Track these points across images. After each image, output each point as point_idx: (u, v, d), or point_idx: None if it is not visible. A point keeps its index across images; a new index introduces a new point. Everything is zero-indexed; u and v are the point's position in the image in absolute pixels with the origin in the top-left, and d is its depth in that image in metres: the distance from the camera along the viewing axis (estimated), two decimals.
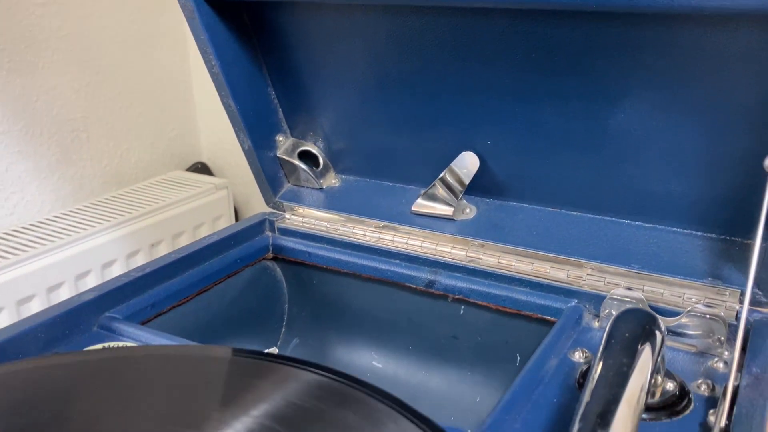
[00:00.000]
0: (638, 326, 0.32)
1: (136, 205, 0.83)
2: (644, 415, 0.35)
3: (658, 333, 0.33)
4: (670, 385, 0.36)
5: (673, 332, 0.41)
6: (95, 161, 0.88)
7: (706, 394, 0.37)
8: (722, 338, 0.40)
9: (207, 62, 0.47)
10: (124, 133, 0.91)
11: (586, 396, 0.29)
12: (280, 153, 0.53)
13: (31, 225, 0.78)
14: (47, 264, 0.72)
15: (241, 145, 0.50)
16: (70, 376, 0.33)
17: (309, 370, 0.33)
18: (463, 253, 0.48)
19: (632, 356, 0.30)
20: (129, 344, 0.39)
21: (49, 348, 0.39)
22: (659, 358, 0.33)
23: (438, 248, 0.48)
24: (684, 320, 0.41)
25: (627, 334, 0.32)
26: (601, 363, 0.30)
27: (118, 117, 0.89)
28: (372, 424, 0.30)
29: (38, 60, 0.79)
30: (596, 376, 0.29)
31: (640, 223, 0.45)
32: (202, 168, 0.99)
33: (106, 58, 0.86)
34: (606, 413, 0.27)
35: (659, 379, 0.36)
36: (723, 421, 0.33)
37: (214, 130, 0.99)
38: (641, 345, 0.31)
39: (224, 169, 1.00)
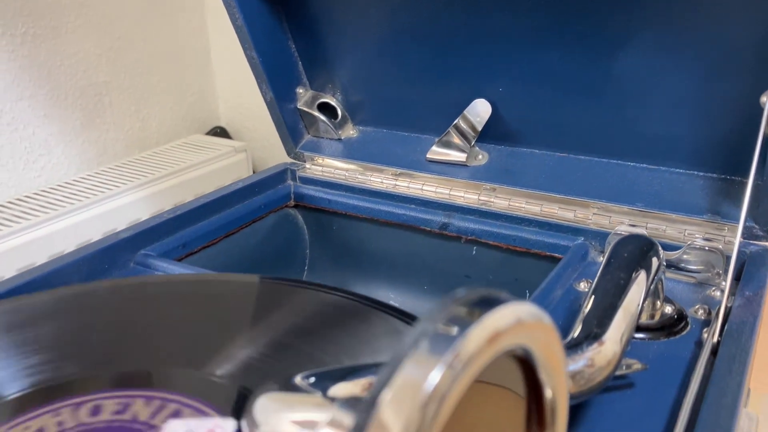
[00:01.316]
0: (637, 247, 0.35)
1: (159, 167, 0.87)
2: (643, 335, 0.38)
3: (655, 255, 0.36)
4: (669, 309, 0.40)
5: (675, 265, 0.44)
6: (118, 125, 0.91)
7: (702, 317, 0.40)
8: (720, 270, 0.43)
9: (231, 15, 0.50)
10: (145, 97, 0.94)
11: (586, 305, 0.32)
12: (300, 105, 0.56)
13: (59, 186, 0.82)
14: (76, 222, 0.76)
15: (263, 96, 0.54)
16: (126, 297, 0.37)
17: (332, 293, 0.37)
18: (476, 197, 0.51)
19: (630, 272, 0.33)
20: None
21: (90, 280, 0.43)
22: (657, 277, 0.36)
23: (451, 193, 0.51)
24: (685, 253, 0.44)
25: (626, 254, 0.35)
26: (600, 277, 0.33)
27: (138, 82, 0.92)
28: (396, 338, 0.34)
29: (61, 25, 0.82)
30: (595, 287, 0.32)
31: (644, 165, 0.48)
32: (220, 132, 1.02)
33: (126, 24, 0.89)
34: (603, 318, 0.30)
35: (658, 303, 0.39)
36: (715, 337, 0.36)
37: (232, 95, 1.02)
38: (639, 263, 0.34)
39: (242, 133, 1.04)
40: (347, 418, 0.18)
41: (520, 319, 0.16)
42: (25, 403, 0.29)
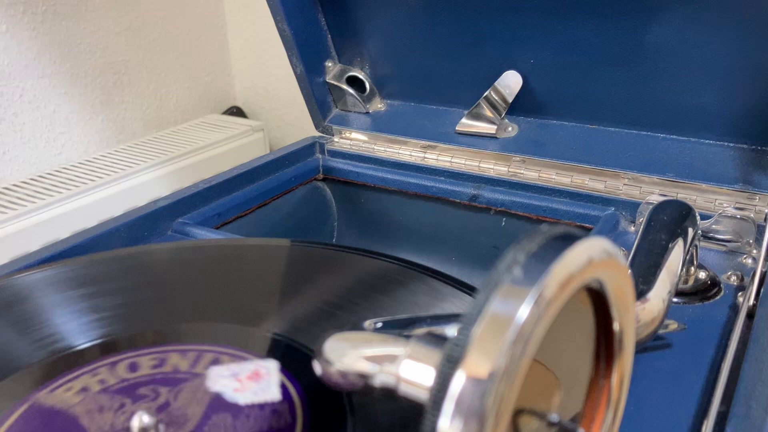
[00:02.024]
0: (676, 212, 0.36)
1: (177, 145, 0.88)
2: (678, 299, 0.39)
3: (692, 220, 0.37)
4: (702, 274, 0.40)
5: (706, 234, 0.45)
6: (136, 104, 0.92)
7: (735, 283, 0.40)
8: (751, 239, 0.44)
9: None
10: (163, 76, 0.94)
11: (628, 264, 0.32)
12: (329, 78, 0.56)
13: (80, 163, 0.83)
14: (97, 199, 0.77)
15: (293, 69, 0.54)
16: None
17: (379, 258, 0.38)
18: (506, 168, 0.51)
19: (670, 234, 0.34)
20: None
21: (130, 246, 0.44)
22: (694, 242, 0.37)
23: (481, 165, 0.52)
24: (716, 222, 0.44)
25: (665, 218, 0.36)
26: (642, 238, 0.34)
27: (156, 61, 0.93)
28: (437, 299, 0.35)
29: (81, 3, 0.82)
30: (637, 248, 0.33)
31: (674, 136, 0.48)
32: (237, 112, 1.03)
33: (145, 3, 0.89)
34: (648, 276, 0.31)
35: (692, 269, 0.40)
36: (751, 300, 0.37)
37: (248, 75, 1.02)
38: (678, 227, 0.35)
39: (258, 113, 1.04)
40: (432, 353, 0.19)
41: (605, 253, 0.17)
42: (62, 366, 0.30)
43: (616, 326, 0.19)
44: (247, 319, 0.32)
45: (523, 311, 0.15)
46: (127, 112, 0.92)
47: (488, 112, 0.51)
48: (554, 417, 0.18)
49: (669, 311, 0.37)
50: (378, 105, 0.58)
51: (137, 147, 0.88)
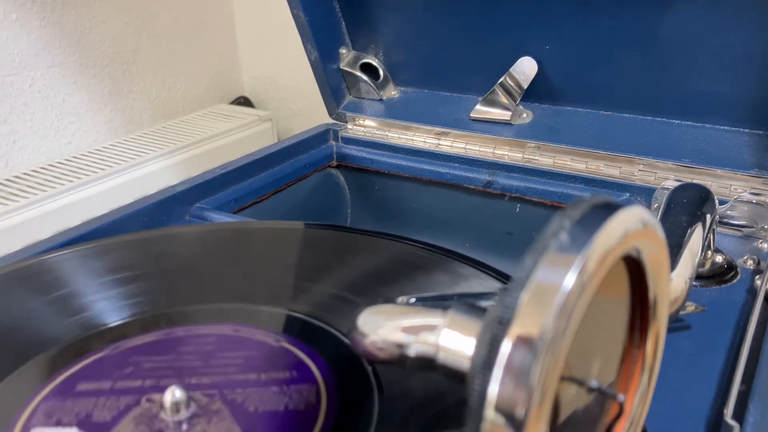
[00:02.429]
0: (695, 194, 0.36)
1: (185, 135, 0.88)
2: (695, 283, 0.39)
3: (711, 203, 0.37)
4: (719, 258, 0.41)
5: (721, 219, 0.45)
6: (144, 94, 0.92)
7: (752, 267, 0.41)
8: (766, 225, 0.44)
9: None
10: (171, 67, 0.95)
11: None
12: (342, 65, 0.57)
13: (89, 152, 0.83)
14: (106, 188, 0.77)
15: (308, 56, 0.54)
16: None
17: (402, 242, 0.38)
18: (520, 154, 0.52)
19: (691, 216, 0.34)
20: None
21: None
22: (712, 225, 0.37)
23: (495, 151, 0.52)
24: (732, 208, 0.45)
25: (685, 200, 0.36)
26: (662, 219, 0.34)
27: (164, 51, 0.93)
28: (462, 280, 0.35)
29: None
30: None
31: (690, 123, 0.49)
32: (244, 102, 1.03)
33: None
34: (671, 257, 0.32)
35: (709, 253, 0.41)
36: None
37: (256, 65, 1.03)
38: (698, 209, 0.35)
39: (266, 103, 1.04)
40: (472, 323, 0.19)
41: (644, 222, 0.18)
42: (95, 342, 0.31)
43: (651, 294, 0.19)
44: (270, 298, 0.33)
45: (570, 278, 0.16)
46: (135, 102, 0.92)
47: (503, 99, 0.52)
48: (593, 383, 0.18)
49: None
50: (392, 92, 0.58)
51: (146, 137, 0.88)
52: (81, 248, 0.37)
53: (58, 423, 0.26)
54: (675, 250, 0.32)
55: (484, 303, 0.22)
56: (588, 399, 0.19)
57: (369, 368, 0.29)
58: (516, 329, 0.15)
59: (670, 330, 0.35)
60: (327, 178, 0.57)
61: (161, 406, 0.26)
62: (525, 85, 0.51)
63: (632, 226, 0.17)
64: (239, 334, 0.31)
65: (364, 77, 0.57)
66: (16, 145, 0.79)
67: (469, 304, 0.20)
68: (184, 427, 0.26)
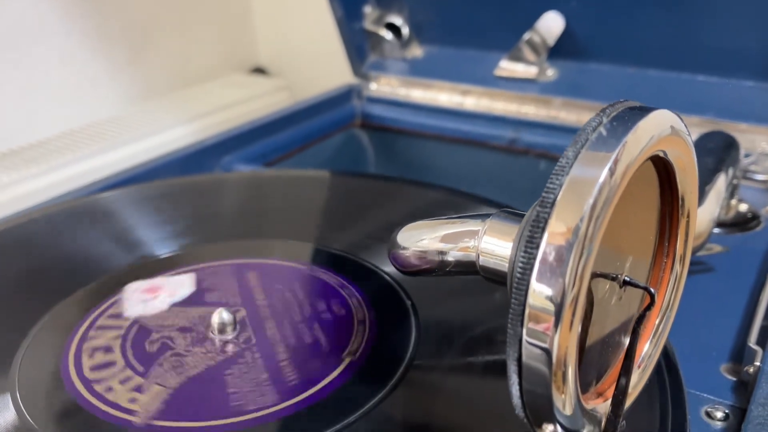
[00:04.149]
0: (722, 140, 0.38)
1: (202, 103, 0.90)
2: (718, 230, 0.41)
3: (736, 149, 0.39)
4: (743, 207, 0.42)
5: (745, 172, 0.46)
6: (162, 62, 0.94)
7: None
8: None
9: None
10: (187, 35, 0.97)
11: None
12: (367, 24, 0.58)
13: (108, 120, 0.86)
14: (126, 154, 0.79)
15: (333, 14, 0.56)
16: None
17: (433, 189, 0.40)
18: (545, 112, 0.53)
19: (717, 159, 0.36)
20: None
21: None
22: (737, 172, 0.39)
23: (520, 108, 0.54)
24: (756, 161, 0.46)
25: (711, 145, 0.37)
26: None
27: (181, 20, 0.95)
28: None
29: None
30: None
31: (715, 78, 0.50)
32: (261, 71, 1.05)
33: None
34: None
35: (733, 201, 0.42)
36: None
37: (272, 35, 1.04)
38: (724, 152, 0.37)
39: (283, 72, 1.06)
40: (511, 227, 0.21)
41: (672, 123, 0.19)
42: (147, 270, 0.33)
43: (679, 192, 0.21)
44: (311, 237, 0.35)
45: (606, 172, 0.17)
46: (152, 71, 0.94)
47: (528, 55, 0.53)
48: (626, 277, 0.20)
49: (710, 241, 0.40)
50: (416, 51, 0.60)
51: (163, 105, 0.90)
52: (130, 188, 0.40)
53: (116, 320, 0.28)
54: (701, 188, 0.34)
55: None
56: (620, 297, 0.21)
57: (409, 302, 0.31)
58: (553, 223, 0.17)
59: (695, 272, 0.37)
60: (351, 138, 0.59)
61: (209, 326, 0.29)
62: (551, 41, 0.52)
63: (664, 127, 0.19)
64: (284, 265, 0.33)
65: (389, 36, 0.58)
66: (36, 113, 0.81)
67: (508, 211, 0.22)
68: (230, 346, 0.28)
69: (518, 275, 0.18)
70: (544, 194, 0.18)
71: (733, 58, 0.49)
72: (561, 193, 0.18)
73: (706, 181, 0.34)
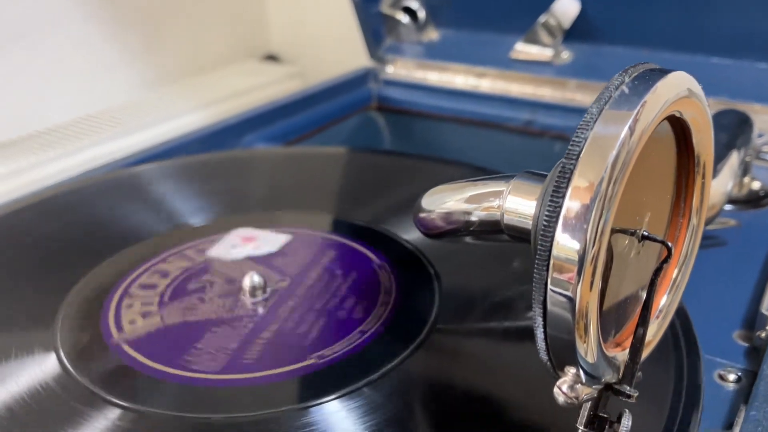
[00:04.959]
0: (735, 117, 0.39)
1: (215, 90, 0.91)
2: (730, 207, 0.42)
3: (750, 126, 0.40)
4: (756, 184, 0.44)
5: (758, 153, 0.48)
6: (175, 49, 0.96)
7: None
8: None
9: None
10: (200, 22, 0.98)
11: None
12: (383, 8, 0.60)
13: (123, 106, 0.87)
14: (142, 139, 0.81)
15: None
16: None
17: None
18: (561, 94, 0.55)
19: (731, 135, 0.37)
20: None
21: None
22: (751, 149, 0.40)
23: (536, 91, 0.55)
24: None
25: (726, 122, 0.39)
26: None
27: (194, 7, 0.96)
28: None
29: None
30: None
31: (728, 60, 0.51)
32: (274, 58, 1.07)
33: None
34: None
35: (746, 179, 0.43)
36: None
37: (285, 23, 1.06)
38: (738, 129, 0.38)
39: (295, 59, 1.07)
40: (535, 187, 0.22)
41: (689, 85, 0.21)
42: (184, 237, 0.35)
43: (695, 150, 0.22)
44: (338, 211, 0.37)
45: (626, 130, 0.19)
46: (166, 58, 0.95)
47: (544, 38, 0.54)
48: (644, 232, 0.21)
49: (723, 217, 0.41)
50: (431, 34, 0.61)
51: (176, 92, 0.92)
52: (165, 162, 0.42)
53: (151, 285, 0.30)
54: (715, 161, 0.35)
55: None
56: (639, 252, 0.22)
57: (432, 270, 0.32)
58: (576, 177, 0.19)
59: (708, 245, 0.38)
60: (367, 120, 0.61)
61: (241, 288, 0.30)
62: (567, 24, 0.54)
63: (682, 88, 0.20)
64: (310, 234, 0.35)
65: (405, 19, 0.60)
66: (51, 98, 0.83)
67: (530, 171, 0.23)
68: (260, 309, 0.30)
69: (543, 225, 0.19)
70: (569, 147, 0.19)
71: (746, 40, 0.50)
72: (585, 148, 0.19)
73: (720, 155, 0.35)
